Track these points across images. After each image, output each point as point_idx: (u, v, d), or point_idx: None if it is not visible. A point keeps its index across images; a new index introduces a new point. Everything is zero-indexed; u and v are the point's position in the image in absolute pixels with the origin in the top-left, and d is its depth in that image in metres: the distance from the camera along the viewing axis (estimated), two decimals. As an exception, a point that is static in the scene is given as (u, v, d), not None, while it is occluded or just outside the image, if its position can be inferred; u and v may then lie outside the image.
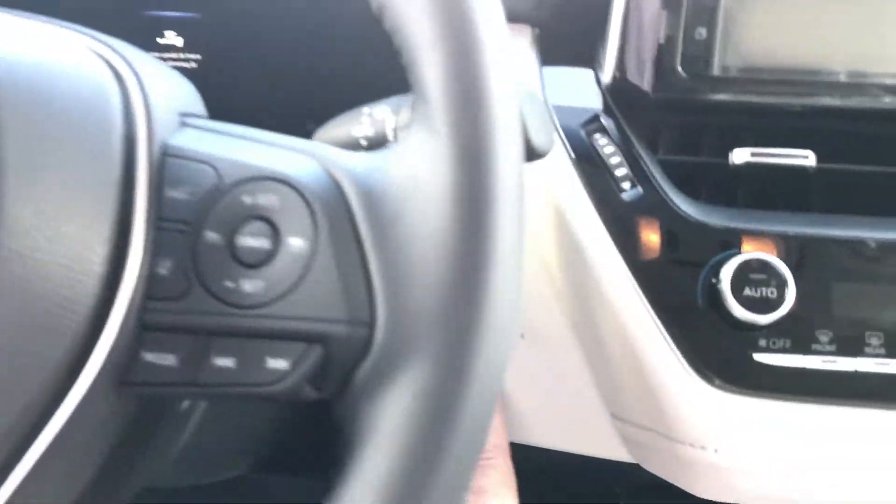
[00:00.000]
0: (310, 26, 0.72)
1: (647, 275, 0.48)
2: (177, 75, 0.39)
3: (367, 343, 0.30)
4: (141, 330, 0.31)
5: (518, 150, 0.31)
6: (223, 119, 0.36)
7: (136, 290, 0.31)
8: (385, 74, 0.71)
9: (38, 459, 0.30)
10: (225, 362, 0.31)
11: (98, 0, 0.73)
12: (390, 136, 0.46)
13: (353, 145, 0.48)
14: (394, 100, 0.47)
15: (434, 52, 0.30)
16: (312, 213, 0.31)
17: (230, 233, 0.31)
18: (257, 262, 0.31)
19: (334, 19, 0.72)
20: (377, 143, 0.47)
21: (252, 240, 0.31)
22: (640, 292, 0.48)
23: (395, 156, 0.32)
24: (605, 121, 0.53)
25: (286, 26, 0.73)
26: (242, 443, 0.56)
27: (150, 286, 0.31)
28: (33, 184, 0.29)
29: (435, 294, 0.29)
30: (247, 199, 0.32)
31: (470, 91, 0.30)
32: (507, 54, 0.31)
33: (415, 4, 0.30)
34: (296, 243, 0.31)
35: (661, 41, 0.51)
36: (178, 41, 0.75)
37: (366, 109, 0.48)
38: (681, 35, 0.51)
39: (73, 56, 0.33)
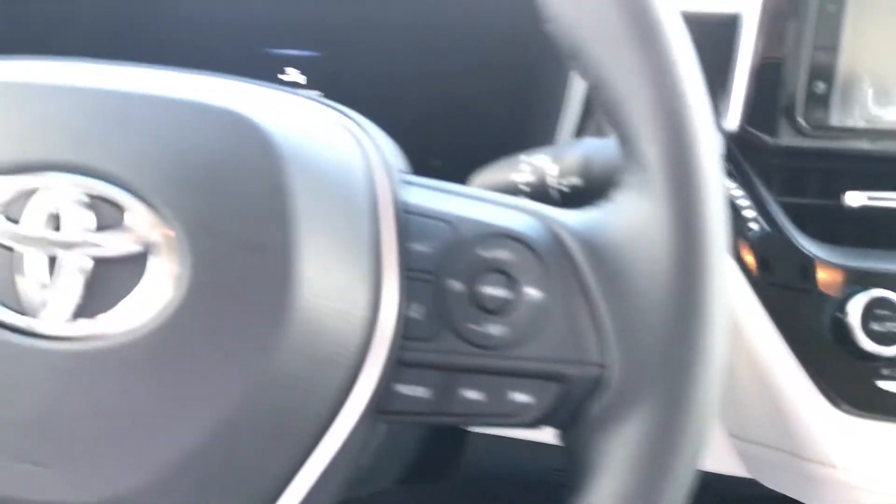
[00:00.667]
0: (428, 63, 0.77)
1: (778, 307, 0.53)
2: (385, 135, 0.44)
3: (599, 380, 0.36)
4: (397, 366, 0.36)
5: (724, 211, 0.36)
6: None
7: (393, 332, 0.36)
8: (497, 111, 0.77)
9: (314, 482, 0.35)
10: (473, 395, 0.36)
11: (223, 38, 0.78)
12: (552, 183, 0.51)
13: (513, 190, 0.53)
14: (550, 149, 0.52)
15: (652, 126, 0.35)
16: (544, 266, 0.36)
17: (471, 282, 0.37)
18: (498, 308, 0.36)
19: (451, 56, 0.77)
20: (538, 189, 0.52)
21: (492, 289, 0.36)
22: (772, 323, 0.53)
23: (612, 215, 0.37)
24: (728, 165, 0.58)
25: (404, 64, 0.78)
26: (394, 457, 0.61)
27: (404, 328, 0.36)
28: (318, 243, 0.35)
29: (660, 336, 0.34)
30: (484, 253, 0.37)
31: (687, 164, 0.35)
32: (710, 123, 0.36)
33: (633, 79, 0.35)
34: (532, 293, 0.36)
35: (785, 94, 0.56)
36: (301, 78, 0.80)
37: (523, 157, 0.53)
38: (803, 88, 0.56)
39: (327, 126, 0.38)
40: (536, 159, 0.52)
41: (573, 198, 0.51)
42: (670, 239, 0.35)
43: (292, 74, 0.80)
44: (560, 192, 0.51)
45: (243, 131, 0.35)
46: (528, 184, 0.52)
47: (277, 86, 0.40)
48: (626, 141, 0.36)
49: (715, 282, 0.34)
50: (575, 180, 0.51)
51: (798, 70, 0.56)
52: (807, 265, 0.53)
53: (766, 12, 0.57)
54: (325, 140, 0.37)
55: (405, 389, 0.37)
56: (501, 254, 0.37)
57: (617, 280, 0.36)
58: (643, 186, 0.35)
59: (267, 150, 0.35)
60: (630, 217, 0.36)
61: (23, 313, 0.34)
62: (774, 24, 0.57)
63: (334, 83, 0.79)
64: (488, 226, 0.37)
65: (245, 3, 0.78)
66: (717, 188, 0.35)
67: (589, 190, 0.51)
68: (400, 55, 0.78)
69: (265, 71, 0.79)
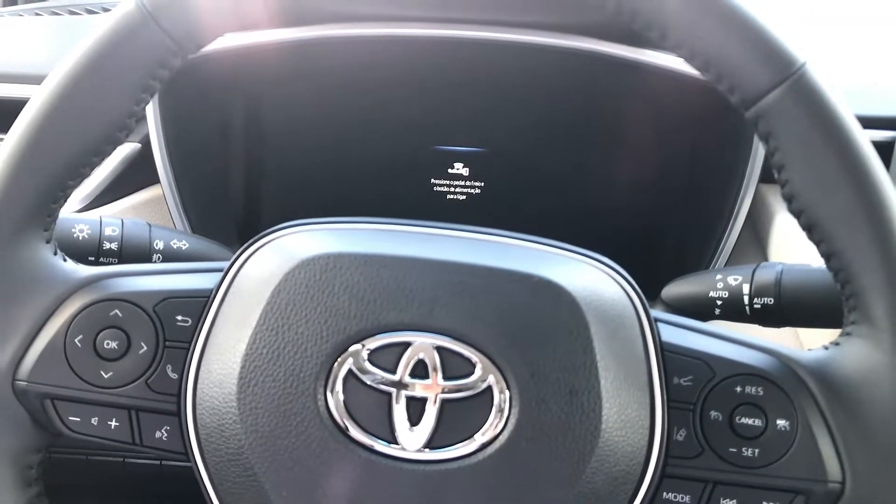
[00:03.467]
0: (586, 160, 0.86)
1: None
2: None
3: (839, 494, 0.44)
4: (663, 478, 0.45)
5: None
6: None
7: (663, 451, 0.45)
8: (656, 213, 0.84)
9: None
10: (730, 503, 0.45)
11: (398, 139, 0.88)
12: (745, 301, 0.60)
13: (708, 305, 0.62)
14: (743, 269, 0.61)
15: (884, 300, 0.43)
16: (791, 401, 0.45)
17: (728, 412, 0.45)
18: (754, 435, 0.45)
19: (610, 154, 0.86)
20: (731, 306, 0.60)
21: (748, 420, 0.45)
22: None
23: (844, 358, 0.45)
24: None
25: (560, 159, 0.87)
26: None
27: (671, 448, 0.45)
28: (615, 385, 0.44)
29: (889, 456, 0.43)
30: (738, 389, 0.45)
31: None
32: None
33: (868, 259, 0.43)
34: (782, 423, 0.45)
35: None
36: (465, 171, 0.90)
37: (719, 276, 0.62)
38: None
39: (606, 282, 0.47)
40: (731, 278, 0.61)
41: (762, 315, 0.60)
42: None
43: (457, 168, 0.89)
44: (752, 309, 0.60)
45: (557, 297, 0.44)
46: (721, 299, 0.61)
47: (565, 245, 0.48)
48: (858, 303, 0.44)
49: None
50: (768, 300, 0.59)
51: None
52: None
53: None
54: (609, 295, 0.46)
55: (669, 496, 0.46)
56: (753, 390, 0.45)
57: (849, 411, 0.44)
58: (872, 339, 0.44)
59: (576, 312, 0.44)
60: (861, 361, 0.44)
61: (394, 443, 0.43)
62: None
63: (496, 176, 0.88)
64: (741, 365, 0.46)
65: (417, 106, 0.87)
66: None
67: (779, 309, 0.59)
68: (557, 154, 0.87)
69: (435, 166, 0.88)
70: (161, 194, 0.79)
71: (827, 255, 0.44)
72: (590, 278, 0.46)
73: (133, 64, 0.45)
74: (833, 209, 0.43)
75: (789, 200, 0.44)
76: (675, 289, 0.64)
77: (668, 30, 0.43)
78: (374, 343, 0.43)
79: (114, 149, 0.47)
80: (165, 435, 0.47)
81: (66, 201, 0.48)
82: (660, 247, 0.85)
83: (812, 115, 0.42)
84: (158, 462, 0.76)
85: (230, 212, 0.88)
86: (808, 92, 0.42)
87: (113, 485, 0.85)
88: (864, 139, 0.43)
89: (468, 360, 0.43)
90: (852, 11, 1.07)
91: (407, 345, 0.43)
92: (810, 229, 0.44)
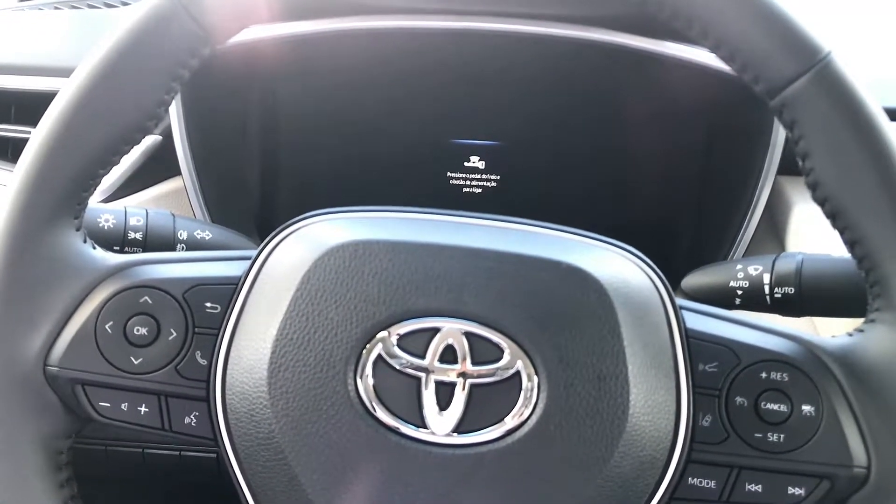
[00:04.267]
0: (602, 151, 0.86)
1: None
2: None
3: (864, 480, 0.44)
4: (689, 463, 0.46)
5: None
6: None
7: (689, 436, 0.45)
8: (672, 206, 0.84)
9: None
10: (754, 488, 0.45)
11: (414, 132, 0.88)
12: (766, 291, 0.60)
13: (729, 295, 0.62)
14: (764, 259, 0.61)
15: None
16: (816, 387, 0.45)
17: (754, 398, 0.46)
18: (779, 421, 0.45)
19: (623, 147, 0.86)
20: (752, 296, 0.61)
21: (773, 405, 0.45)
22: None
23: (868, 343, 0.45)
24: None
25: (578, 151, 0.87)
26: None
27: (697, 433, 0.46)
28: (642, 371, 0.44)
29: None
30: (763, 374, 0.46)
31: None
32: None
33: (877, 225, 0.43)
34: (807, 408, 0.45)
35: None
36: (481, 164, 0.90)
37: (739, 265, 0.62)
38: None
39: (633, 269, 0.47)
40: (752, 268, 0.61)
41: (783, 304, 0.60)
42: None
43: (474, 161, 0.90)
44: (773, 298, 0.60)
45: (585, 283, 0.44)
46: (742, 290, 0.61)
47: (591, 234, 0.49)
48: (882, 290, 0.44)
49: None
50: (788, 290, 0.59)
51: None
52: None
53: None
54: (636, 282, 0.46)
55: (694, 481, 0.46)
56: (778, 376, 0.46)
57: (875, 397, 0.44)
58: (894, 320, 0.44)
59: (603, 298, 0.44)
60: (885, 347, 0.44)
61: (423, 427, 0.43)
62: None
63: (512, 169, 0.88)
64: (766, 352, 0.46)
65: (433, 100, 0.88)
66: None
67: (799, 298, 0.59)
68: (574, 146, 0.87)
69: (451, 159, 0.89)
70: (181, 186, 0.80)
71: (851, 243, 0.45)
72: (616, 266, 0.47)
73: (164, 53, 0.46)
74: (858, 196, 0.43)
75: (814, 188, 0.44)
76: (696, 279, 0.64)
77: (694, 19, 0.43)
78: (403, 328, 0.44)
79: (143, 137, 0.48)
80: (194, 421, 0.48)
81: (95, 189, 0.49)
82: (677, 238, 0.85)
83: (837, 104, 0.42)
84: (178, 453, 0.77)
85: (247, 204, 0.89)
86: (834, 80, 0.42)
87: (132, 476, 0.85)
88: (890, 127, 0.43)
89: (497, 345, 0.44)
90: (882, 2, 1.07)
91: (436, 330, 0.44)
92: (835, 217, 0.44)
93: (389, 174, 0.89)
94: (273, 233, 0.48)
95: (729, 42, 0.43)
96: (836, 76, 0.42)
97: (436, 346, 0.43)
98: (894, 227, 0.43)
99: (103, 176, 0.48)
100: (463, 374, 0.43)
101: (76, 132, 0.46)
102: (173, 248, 0.62)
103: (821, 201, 0.45)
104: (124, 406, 0.48)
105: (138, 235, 0.61)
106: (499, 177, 0.89)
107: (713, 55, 0.47)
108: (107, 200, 0.79)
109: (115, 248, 0.61)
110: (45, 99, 0.47)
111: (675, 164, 0.84)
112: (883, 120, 0.43)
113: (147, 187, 0.81)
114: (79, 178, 0.47)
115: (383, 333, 0.44)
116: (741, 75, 0.44)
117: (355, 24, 0.80)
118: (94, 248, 0.49)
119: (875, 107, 0.43)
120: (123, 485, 0.87)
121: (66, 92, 0.46)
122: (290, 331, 0.44)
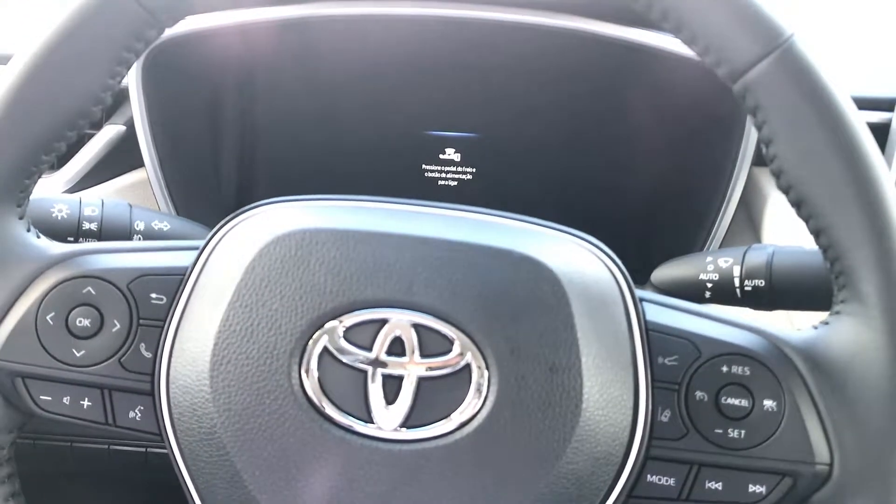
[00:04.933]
0: (579, 144, 0.85)
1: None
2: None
3: (827, 476, 0.43)
4: (647, 460, 0.44)
5: None
6: None
7: (647, 432, 0.44)
8: (648, 195, 0.83)
9: None
10: (715, 485, 0.44)
11: (390, 123, 0.87)
12: (736, 283, 0.58)
13: (698, 288, 0.61)
14: (734, 251, 0.60)
15: (874, 276, 0.41)
16: (778, 381, 0.44)
17: (714, 392, 0.44)
18: (740, 416, 0.44)
19: (601, 138, 0.84)
20: (722, 289, 0.59)
21: (734, 400, 0.44)
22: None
23: (832, 337, 0.44)
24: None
25: (554, 143, 0.85)
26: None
27: (656, 429, 0.44)
28: (597, 363, 0.43)
29: (876, 438, 0.42)
30: (724, 368, 0.44)
31: None
32: None
33: (857, 234, 0.41)
34: (769, 403, 0.44)
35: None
36: (457, 157, 0.88)
37: (709, 258, 0.60)
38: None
39: (588, 259, 0.46)
40: (721, 260, 0.60)
41: (753, 297, 0.59)
42: (887, 362, 0.42)
43: (449, 153, 0.88)
44: (742, 291, 0.59)
45: (538, 273, 0.43)
46: (712, 281, 0.60)
47: (547, 223, 0.47)
48: (847, 281, 0.43)
49: None
50: (758, 283, 0.58)
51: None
52: None
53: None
54: (592, 272, 0.45)
55: (653, 479, 0.44)
56: (739, 370, 0.44)
57: (839, 392, 0.43)
58: (861, 316, 0.43)
59: (556, 288, 0.43)
60: (850, 340, 0.43)
61: (370, 422, 0.42)
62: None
63: (488, 162, 0.87)
64: (728, 345, 0.45)
65: (408, 90, 0.86)
66: None
67: (770, 291, 0.58)
68: (549, 138, 0.86)
69: (426, 151, 0.87)
70: (146, 178, 0.78)
71: (816, 232, 0.43)
72: (572, 255, 0.45)
73: (106, 35, 0.44)
74: (821, 184, 0.42)
75: (778, 175, 0.43)
76: (665, 272, 0.63)
77: (655, 2, 0.42)
78: (350, 320, 0.42)
79: (88, 123, 0.46)
80: (139, 415, 0.46)
81: (40, 177, 0.47)
82: (653, 230, 0.84)
83: (799, 88, 0.41)
84: (143, 449, 0.75)
85: (220, 194, 0.87)
86: (796, 63, 0.41)
87: (99, 473, 0.84)
88: (854, 112, 0.41)
89: (446, 337, 0.42)
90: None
91: (384, 321, 0.42)
92: (799, 205, 0.43)
93: (364, 166, 0.88)
94: (222, 221, 0.47)
95: (690, 25, 0.42)
96: (799, 58, 0.41)
97: (383, 338, 0.42)
98: (859, 216, 0.41)
99: (48, 163, 0.47)
100: (411, 367, 0.42)
101: (16, 118, 0.44)
102: (130, 239, 0.61)
103: (785, 189, 0.43)
104: (66, 400, 0.46)
105: (93, 226, 0.60)
106: (474, 169, 0.88)
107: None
108: (69, 192, 0.78)
109: (69, 238, 0.59)
110: None
111: (651, 156, 0.83)
112: (846, 104, 0.41)
113: (111, 178, 0.79)
114: (20, 164, 0.45)
115: (330, 325, 0.42)
116: (703, 59, 0.43)
117: (329, 10, 0.78)
118: (39, 237, 0.48)
119: (839, 91, 0.41)
120: (89, 485, 0.85)
121: (4, 77, 0.44)
122: (232, 322, 0.43)
